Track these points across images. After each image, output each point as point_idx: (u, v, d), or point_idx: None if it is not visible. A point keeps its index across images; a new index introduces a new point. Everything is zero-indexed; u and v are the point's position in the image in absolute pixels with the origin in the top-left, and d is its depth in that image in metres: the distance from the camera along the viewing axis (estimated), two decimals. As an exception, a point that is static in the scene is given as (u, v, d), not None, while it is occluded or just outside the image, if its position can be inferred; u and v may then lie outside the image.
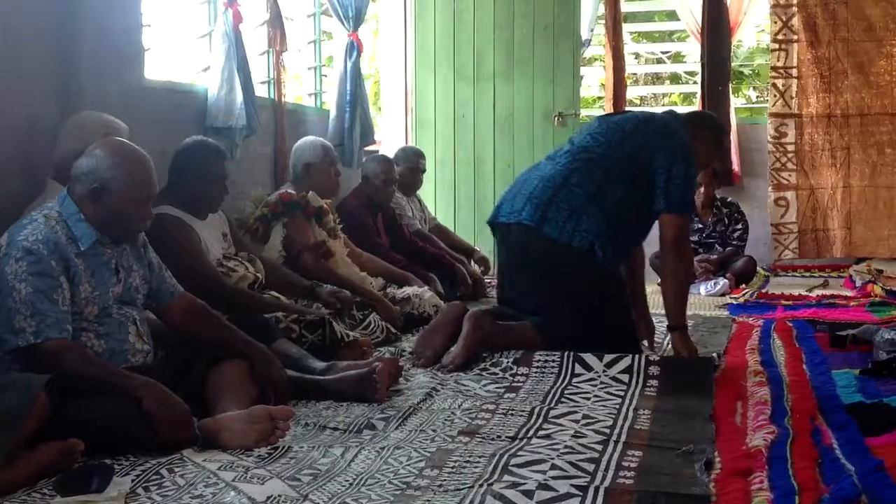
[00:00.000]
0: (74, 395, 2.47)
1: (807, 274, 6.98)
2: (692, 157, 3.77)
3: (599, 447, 2.54)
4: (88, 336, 2.72)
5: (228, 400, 2.74)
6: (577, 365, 3.43)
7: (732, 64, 7.84)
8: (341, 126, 5.98)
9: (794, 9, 6.98)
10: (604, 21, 7.54)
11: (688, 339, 3.75)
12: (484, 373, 3.49)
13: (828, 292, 5.90)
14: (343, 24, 5.99)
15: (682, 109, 7.85)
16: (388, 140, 7.40)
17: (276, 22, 5.43)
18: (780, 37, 7.04)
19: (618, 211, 3.69)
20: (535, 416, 2.87)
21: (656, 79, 10.40)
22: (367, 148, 6.40)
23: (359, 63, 6.13)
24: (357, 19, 6.07)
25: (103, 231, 2.75)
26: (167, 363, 2.89)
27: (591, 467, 2.36)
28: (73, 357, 2.57)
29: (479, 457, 2.46)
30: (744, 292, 5.87)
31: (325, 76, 6.68)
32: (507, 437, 2.66)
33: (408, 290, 4.73)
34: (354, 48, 6.07)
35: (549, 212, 3.69)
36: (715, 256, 6.28)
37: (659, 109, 6.40)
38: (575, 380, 3.35)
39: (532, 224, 3.70)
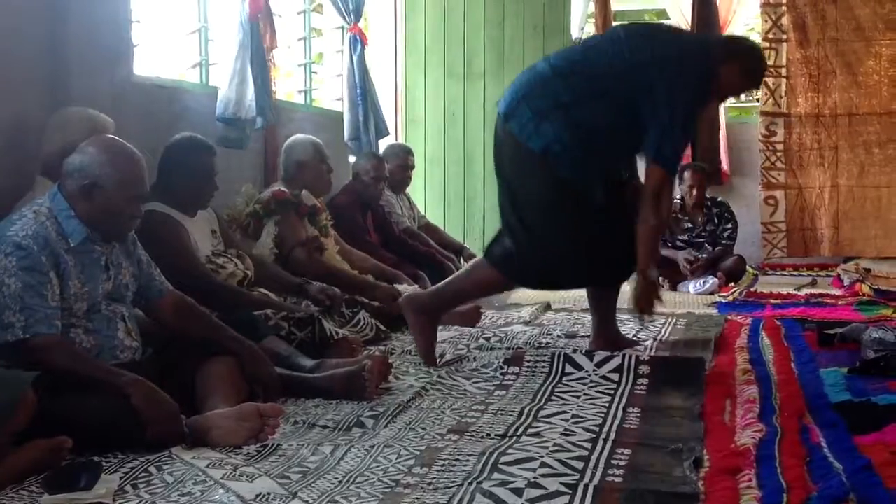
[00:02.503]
0: (62, 392, 2.46)
1: (795, 273, 7.01)
2: (699, 99, 3.60)
3: (589, 445, 2.54)
4: (77, 332, 2.71)
5: (217, 397, 2.73)
6: (567, 365, 3.43)
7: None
8: (356, 120, 5.97)
9: (784, 8, 7.01)
10: (594, 19, 7.55)
11: (649, 285, 3.64)
12: (475, 372, 3.49)
13: (816, 291, 5.93)
14: (343, 18, 5.98)
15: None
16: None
17: (266, 18, 5.41)
18: (770, 36, 7.06)
19: (588, 125, 3.52)
20: (524, 415, 2.87)
21: (646, 77, 10.40)
22: (381, 141, 6.39)
23: (364, 56, 6.11)
24: (357, 12, 6.06)
25: (94, 228, 2.74)
26: (156, 360, 2.89)
27: (580, 465, 2.36)
28: (61, 353, 2.56)
29: (469, 455, 2.46)
30: (732, 291, 5.89)
31: (315, 73, 6.66)
32: (496, 434, 2.66)
33: (398, 288, 4.72)
34: (358, 41, 6.06)
35: (519, 108, 3.59)
36: (705, 255, 6.30)
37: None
38: (565, 378, 3.35)
39: (502, 113, 3.65)
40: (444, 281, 3.80)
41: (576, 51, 3.90)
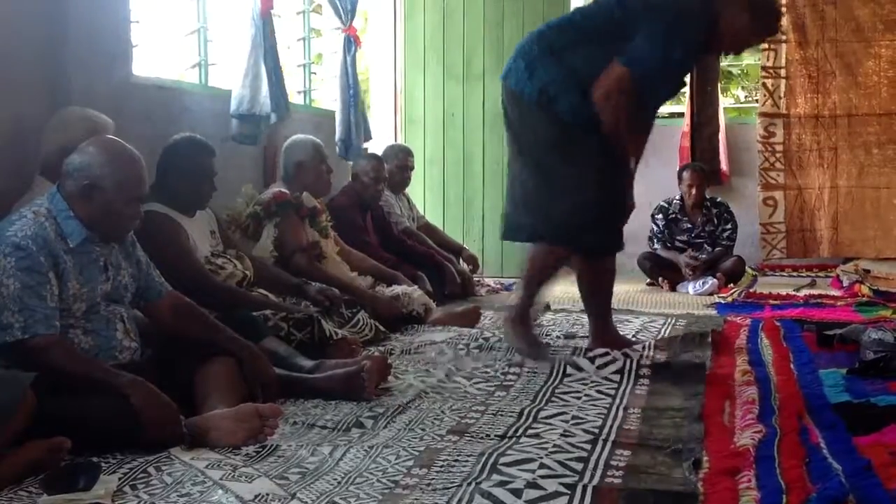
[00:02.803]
0: (61, 393, 2.46)
1: (794, 273, 7.00)
2: (696, 38, 3.45)
3: (588, 446, 2.54)
4: (76, 333, 2.71)
5: (216, 398, 2.73)
6: (568, 367, 3.44)
7: (721, 63, 7.86)
8: (347, 120, 5.96)
9: (783, 9, 6.99)
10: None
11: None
12: (476, 372, 3.49)
13: (815, 292, 5.93)
14: (340, 18, 5.99)
15: (670, 108, 7.95)
16: (378, 138, 7.38)
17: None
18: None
19: (582, 71, 3.45)
20: (524, 416, 2.87)
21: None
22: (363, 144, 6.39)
23: (355, 58, 6.12)
24: (353, 12, 6.07)
25: (93, 228, 2.74)
26: (155, 361, 2.88)
27: (579, 466, 2.36)
28: (60, 353, 2.56)
29: (468, 455, 2.45)
30: (732, 291, 5.89)
31: (314, 73, 6.66)
32: (496, 435, 2.66)
33: (397, 289, 4.72)
34: (352, 42, 6.06)
35: (515, 63, 3.60)
36: (704, 256, 6.30)
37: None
38: (566, 379, 3.35)
39: (502, 76, 3.66)
40: (518, 288, 3.79)
41: (572, 12, 3.93)
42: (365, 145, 6.20)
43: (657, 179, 6.40)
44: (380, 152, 6.00)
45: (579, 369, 3.41)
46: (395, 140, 7.23)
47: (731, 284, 6.15)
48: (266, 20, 4.79)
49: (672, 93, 3.95)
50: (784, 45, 7.02)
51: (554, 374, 3.40)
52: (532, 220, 3.65)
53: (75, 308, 2.70)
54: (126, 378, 2.56)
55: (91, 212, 2.72)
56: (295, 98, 6.61)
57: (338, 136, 5.94)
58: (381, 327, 4.22)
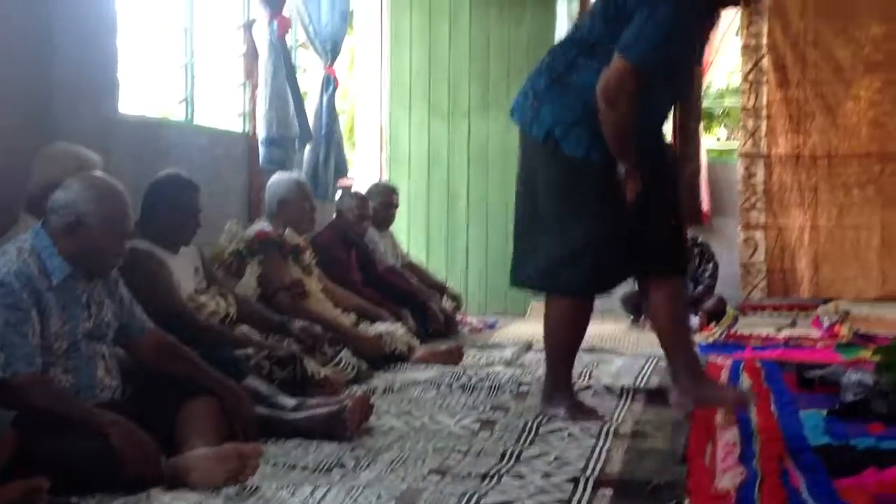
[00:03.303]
0: (40, 432, 2.44)
1: (775, 313, 7.02)
2: (692, 10, 3.17)
3: (570, 487, 2.54)
4: (56, 371, 2.69)
5: (197, 437, 2.71)
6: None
7: (703, 104, 7.94)
8: (316, 159, 5.99)
9: (764, 50, 7.10)
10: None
11: (636, 179, 3.27)
12: (459, 410, 3.49)
13: (796, 333, 5.95)
14: (321, 57, 6.03)
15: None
16: (362, 176, 7.42)
17: (250, 55, 5.45)
18: (750, 77, 7.16)
19: (585, 87, 3.22)
20: (507, 457, 2.87)
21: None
22: (340, 182, 6.41)
23: (334, 97, 6.16)
24: (334, 52, 6.11)
25: (77, 265, 2.73)
26: (136, 399, 2.87)
27: (561, 508, 2.36)
28: (41, 391, 2.54)
29: (450, 496, 2.45)
30: (713, 331, 5.91)
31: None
32: (478, 475, 2.65)
33: (380, 327, 4.72)
34: (331, 82, 6.10)
35: (521, 95, 3.44)
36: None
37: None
38: (550, 419, 3.35)
39: (510, 111, 3.49)
40: (546, 356, 3.55)
41: (571, 28, 3.75)
42: (347, 183, 6.22)
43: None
44: (364, 190, 6.02)
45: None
46: (380, 177, 7.26)
47: (713, 324, 6.16)
48: (283, 42, 4.80)
49: (682, 86, 3.63)
50: (765, 86, 7.11)
51: (539, 415, 3.40)
52: (530, 266, 3.48)
53: (56, 346, 2.69)
54: (106, 417, 2.54)
55: (75, 248, 2.72)
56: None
57: (304, 172, 5.91)
58: (364, 366, 4.21)
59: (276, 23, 4.78)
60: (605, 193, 3.31)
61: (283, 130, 4.67)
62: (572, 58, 3.32)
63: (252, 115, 5.54)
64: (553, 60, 3.39)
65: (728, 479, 2.55)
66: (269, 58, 4.79)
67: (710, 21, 3.45)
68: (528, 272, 3.50)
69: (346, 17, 6.24)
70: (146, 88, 5.19)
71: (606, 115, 3.19)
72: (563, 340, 3.52)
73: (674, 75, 3.35)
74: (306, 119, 4.89)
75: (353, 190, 5.92)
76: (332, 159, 6.11)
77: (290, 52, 4.86)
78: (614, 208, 3.31)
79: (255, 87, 5.54)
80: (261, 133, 4.66)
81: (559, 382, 3.49)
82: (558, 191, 3.36)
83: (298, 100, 4.85)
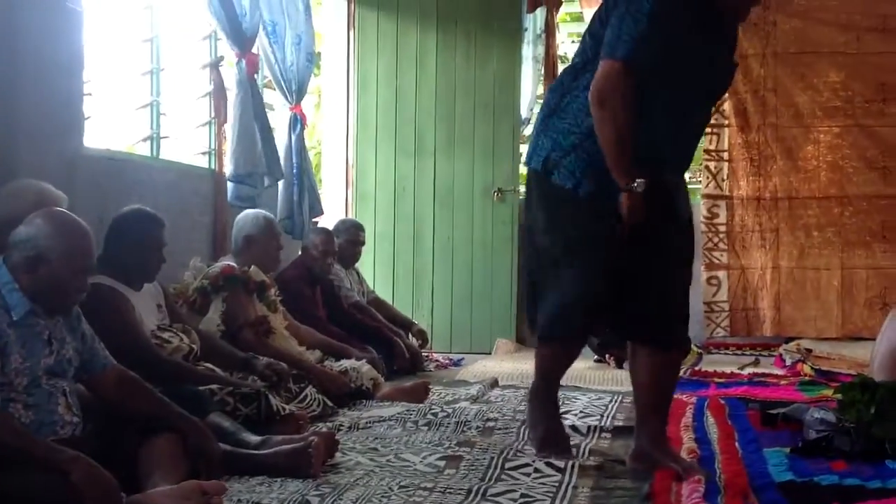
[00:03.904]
0: (0, 469, 2.39)
1: (738, 352, 7.09)
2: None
3: (536, 525, 2.53)
4: (16, 407, 2.64)
5: (159, 474, 2.67)
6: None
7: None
8: (290, 198, 5.98)
9: (726, 95, 7.22)
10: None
11: (636, 202, 2.99)
12: (425, 445, 3.47)
13: (759, 370, 6.00)
14: (286, 97, 6.06)
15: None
16: (329, 212, 7.41)
17: (219, 93, 5.46)
18: (712, 121, 7.26)
19: (577, 111, 3.10)
20: (473, 494, 2.85)
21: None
22: (315, 219, 6.41)
23: (303, 136, 6.18)
24: (300, 93, 6.14)
25: (37, 301, 2.70)
26: (97, 436, 2.82)
27: (527, 546, 2.35)
28: (0, 427, 2.50)
29: (415, 534, 2.43)
30: (678, 369, 5.93)
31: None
32: (443, 514, 2.64)
33: (345, 363, 4.70)
34: (298, 121, 6.12)
35: (531, 138, 3.32)
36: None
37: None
38: (517, 454, 3.34)
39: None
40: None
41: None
42: (316, 220, 6.22)
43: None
44: (331, 226, 6.02)
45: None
46: (347, 214, 7.26)
47: (677, 362, 6.19)
48: (252, 83, 4.82)
49: (697, 99, 3.18)
50: (727, 129, 7.23)
51: (504, 449, 3.39)
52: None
53: (17, 382, 2.65)
54: (67, 454, 2.50)
55: (36, 284, 2.69)
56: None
57: (279, 214, 5.92)
58: (329, 402, 4.19)
59: (244, 61, 4.79)
60: (591, 235, 3.09)
61: (250, 167, 4.67)
62: (567, 85, 3.20)
63: (219, 152, 5.54)
64: (550, 94, 3.32)
65: (693, 515, 2.55)
66: (238, 95, 4.79)
67: (712, 17, 3.06)
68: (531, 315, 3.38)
69: (311, 59, 6.28)
70: (112, 125, 5.17)
71: (598, 117, 3.00)
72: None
73: (677, 79, 3.03)
74: (277, 157, 4.90)
75: (318, 226, 5.91)
76: (305, 198, 6.11)
77: (259, 90, 4.86)
78: (603, 253, 3.07)
79: (221, 124, 5.55)
80: (228, 170, 4.64)
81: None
82: (546, 226, 3.20)
83: (268, 137, 4.85)
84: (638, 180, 2.98)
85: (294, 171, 6.00)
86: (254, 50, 5.38)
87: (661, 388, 3.25)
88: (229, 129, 4.74)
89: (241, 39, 4.75)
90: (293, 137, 6.08)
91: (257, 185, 4.73)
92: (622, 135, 3.00)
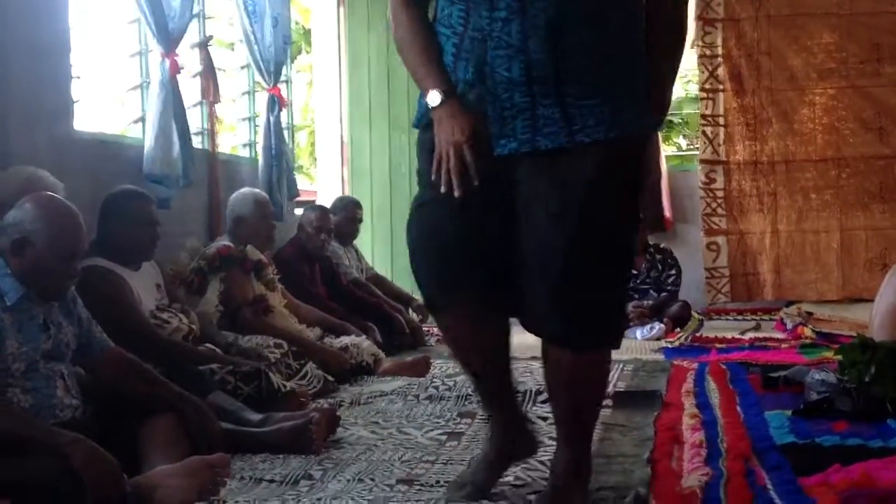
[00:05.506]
0: (0, 454, 2.39)
1: (739, 317, 7.10)
2: None
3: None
4: (15, 392, 2.64)
5: (159, 455, 2.67)
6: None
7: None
8: (269, 180, 5.95)
9: (720, 59, 7.19)
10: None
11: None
12: (427, 421, 3.47)
13: (760, 335, 6.01)
14: (264, 78, 6.02)
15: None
16: (325, 190, 7.40)
17: (209, 73, 5.42)
18: (707, 86, 7.24)
19: None
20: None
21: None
22: (303, 197, 6.40)
23: (280, 117, 6.14)
24: (277, 73, 6.10)
25: (27, 285, 2.69)
26: (97, 418, 2.82)
27: (530, 514, 2.35)
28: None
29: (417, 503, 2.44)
30: (678, 336, 5.95)
31: (259, 127, 6.68)
32: (446, 483, 2.64)
33: (345, 340, 4.70)
34: (276, 102, 6.08)
35: None
36: (650, 302, 6.36)
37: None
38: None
39: None
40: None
41: None
42: (307, 199, 6.20)
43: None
44: (328, 204, 6.01)
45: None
46: (343, 192, 7.24)
47: (678, 329, 6.21)
48: (175, 84, 4.78)
49: None
50: (722, 94, 7.20)
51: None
52: None
53: (14, 367, 2.64)
54: (67, 437, 2.49)
55: (23, 268, 2.67)
56: (241, 150, 6.61)
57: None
58: (330, 379, 4.19)
59: (167, 62, 4.71)
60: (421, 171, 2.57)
61: (167, 170, 4.57)
62: None
63: (211, 132, 5.51)
64: None
65: (694, 478, 2.55)
66: (160, 95, 4.67)
67: None
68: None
69: (288, 41, 6.27)
70: (102, 107, 5.14)
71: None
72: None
73: None
74: (193, 160, 4.80)
75: (315, 204, 5.89)
76: (284, 179, 6.08)
77: (179, 90, 4.76)
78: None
79: (212, 104, 5.52)
80: (145, 169, 4.56)
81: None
82: None
83: (186, 140, 4.75)
84: (431, 91, 2.37)
85: (273, 152, 5.97)
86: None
87: (569, 398, 2.43)
88: (149, 127, 4.67)
89: (167, 39, 4.70)
90: (271, 119, 6.04)
91: (172, 187, 4.69)
92: (403, 49, 2.50)
